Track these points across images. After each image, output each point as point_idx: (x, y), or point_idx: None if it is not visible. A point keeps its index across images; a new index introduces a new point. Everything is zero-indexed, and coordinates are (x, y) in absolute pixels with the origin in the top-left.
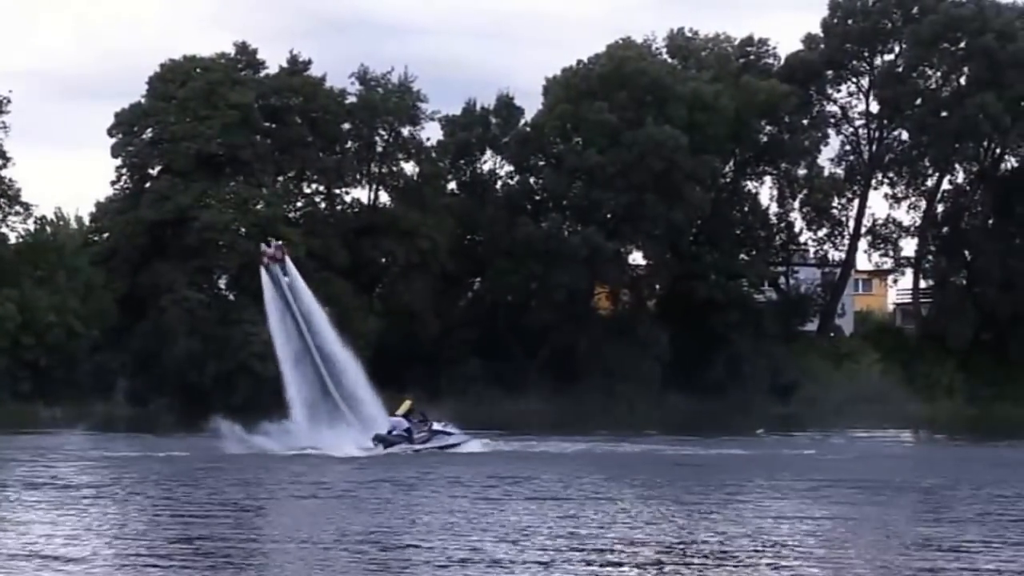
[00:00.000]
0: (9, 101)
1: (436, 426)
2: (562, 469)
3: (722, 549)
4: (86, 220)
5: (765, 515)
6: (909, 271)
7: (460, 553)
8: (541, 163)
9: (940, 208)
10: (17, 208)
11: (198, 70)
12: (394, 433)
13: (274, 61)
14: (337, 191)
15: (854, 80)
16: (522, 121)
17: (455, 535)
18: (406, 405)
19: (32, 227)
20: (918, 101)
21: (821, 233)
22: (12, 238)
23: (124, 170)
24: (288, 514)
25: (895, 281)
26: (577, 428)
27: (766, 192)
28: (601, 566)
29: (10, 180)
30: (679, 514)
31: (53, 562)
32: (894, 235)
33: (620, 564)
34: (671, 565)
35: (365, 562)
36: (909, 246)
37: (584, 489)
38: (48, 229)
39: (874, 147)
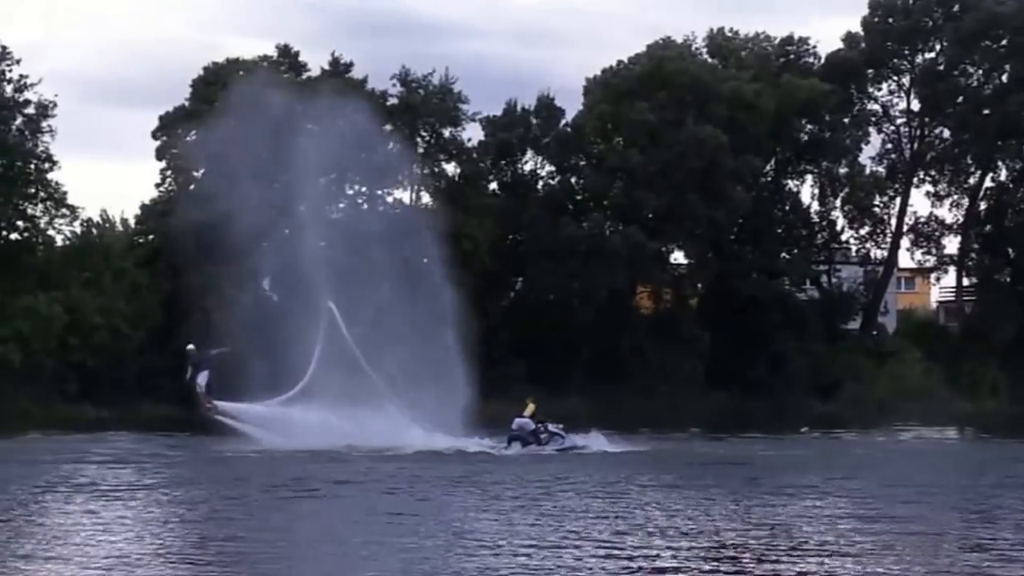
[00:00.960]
0: (55, 105)
1: (552, 427)
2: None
3: (770, 547)
4: (131, 222)
5: (814, 514)
6: (952, 269)
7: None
8: (582, 163)
9: (983, 206)
10: (63, 211)
11: (241, 73)
12: (515, 432)
13: (316, 63)
14: (379, 192)
15: (895, 78)
16: (563, 121)
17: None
18: (531, 407)
19: (78, 230)
20: (960, 99)
21: (863, 231)
22: (59, 240)
23: (168, 173)
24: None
25: (938, 279)
26: (624, 427)
27: (807, 191)
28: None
29: (56, 183)
30: (728, 513)
31: (99, 563)
32: (936, 233)
33: (674, 560)
34: (716, 563)
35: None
36: (952, 244)
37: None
38: (94, 231)
39: (915, 145)
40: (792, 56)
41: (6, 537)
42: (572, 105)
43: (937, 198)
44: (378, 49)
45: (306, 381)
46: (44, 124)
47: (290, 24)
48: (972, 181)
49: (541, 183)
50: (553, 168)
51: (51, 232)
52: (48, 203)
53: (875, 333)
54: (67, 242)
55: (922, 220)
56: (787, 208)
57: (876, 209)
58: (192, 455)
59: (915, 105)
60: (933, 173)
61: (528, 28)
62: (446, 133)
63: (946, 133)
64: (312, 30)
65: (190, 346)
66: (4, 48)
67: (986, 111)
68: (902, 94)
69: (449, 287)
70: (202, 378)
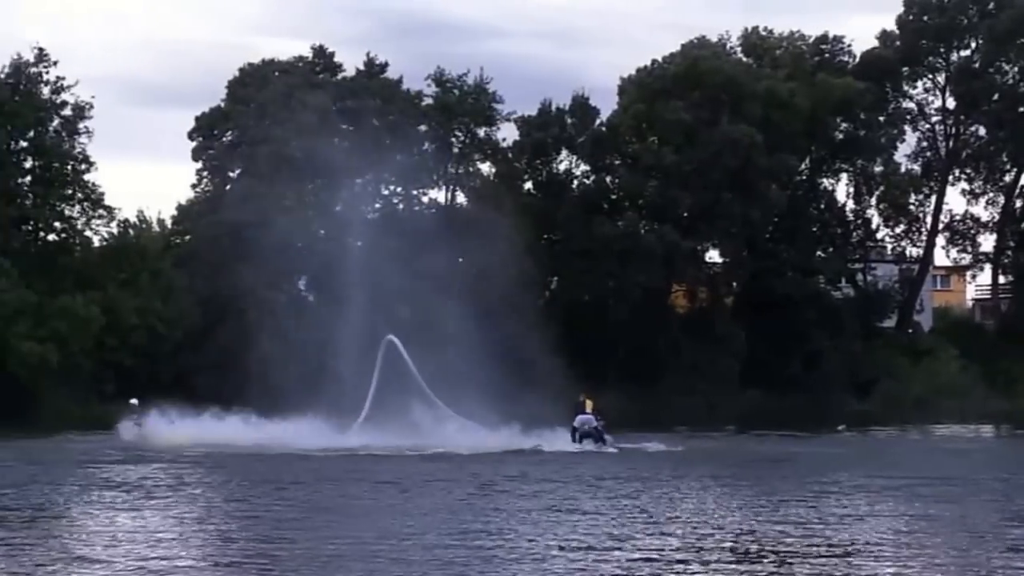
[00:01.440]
0: (92, 107)
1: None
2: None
3: (810, 544)
4: (168, 223)
5: (853, 512)
6: (987, 266)
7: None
8: (616, 162)
9: (1018, 203)
10: (101, 212)
11: (276, 74)
12: (587, 428)
13: (351, 64)
14: (414, 192)
15: (930, 76)
16: (597, 121)
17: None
18: (590, 403)
19: (115, 230)
20: (995, 96)
21: (898, 229)
22: (96, 241)
23: (204, 173)
24: None
25: (974, 277)
26: (660, 426)
27: (842, 189)
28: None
29: (93, 184)
30: (768, 509)
31: (141, 563)
32: (972, 231)
33: (711, 557)
34: (756, 561)
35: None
36: (987, 241)
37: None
38: (131, 232)
39: (951, 143)
40: (827, 54)
41: (57, 538)
42: (606, 105)
43: (972, 196)
44: (413, 50)
45: (367, 412)
46: (81, 125)
47: (325, 25)
48: (1008, 178)
49: (576, 182)
50: (588, 167)
51: (88, 233)
52: (85, 204)
53: (911, 331)
54: (104, 243)
55: (957, 218)
56: (822, 206)
57: (911, 207)
58: (234, 455)
59: (950, 103)
60: (968, 171)
61: (562, 28)
62: (481, 133)
63: (981, 131)
64: (347, 31)
65: (134, 400)
66: (41, 50)
67: (1021, 108)
68: (937, 92)
69: (484, 286)
70: (128, 431)
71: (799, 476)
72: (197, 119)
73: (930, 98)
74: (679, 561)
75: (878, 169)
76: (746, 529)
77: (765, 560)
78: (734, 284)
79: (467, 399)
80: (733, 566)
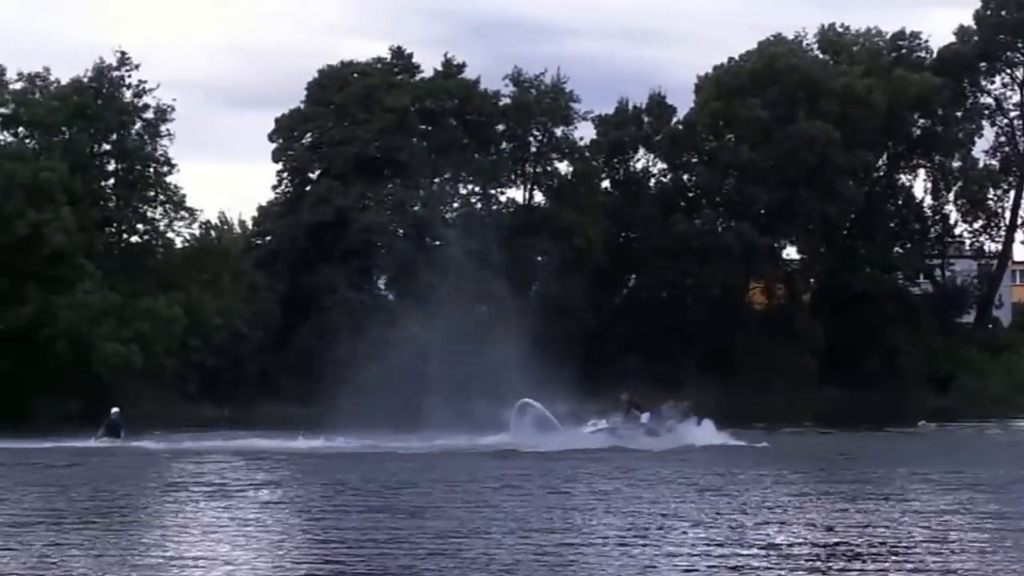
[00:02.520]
0: (173, 110)
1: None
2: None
3: (895, 540)
4: (249, 224)
5: (935, 508)
6: None
7: None
8: (694, 160)
9: None
10: (183, 213)
11: (355, 75)
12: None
13: (429, 65)
14: (493, 191)
15: (1008, 71)
16: (674, 119)
17: None
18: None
19: (197, 232)
20: None
21: (976, 225)
22: (178, 243)
23: (285, 174)
24: None
25: None
26: (738, 422)
27: (920, 185)
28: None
29: (175, 186)
30: (853, 506)
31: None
32: None
33: (794, 554)
34: (838, 558)
35: None
36: None
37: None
38: (213, 234)
39: None
40: (904, 50)
41: (150, 538)
42: (683, 103)
43: None
44: (491, 50)
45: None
46: (162, 128)
47: (404, 26)
48: None
49: (653, 180)
50: (665, 165)
51: (171, 235)
52: (167, 206)
53: (990, 326)
54: (186, 244)
55: None
56: (900, 202)
57: (989, 202)
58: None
59: None
60: None
61: (639, 27)
62: (558, 132)
63: None
64: (426, 32)
65: (115, 409)
66: (123, 54)
67: None
68: (1015, 87)
69: (562, 285)
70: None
71: (887, 471)
72: (277, 121)
73: (1008, 93)
74: (787, 557)
75: (956, 165)
76: (862, 522)
77: (862, 557)
78: (812, 281)
79: (544, 397)
80: (828, 564)
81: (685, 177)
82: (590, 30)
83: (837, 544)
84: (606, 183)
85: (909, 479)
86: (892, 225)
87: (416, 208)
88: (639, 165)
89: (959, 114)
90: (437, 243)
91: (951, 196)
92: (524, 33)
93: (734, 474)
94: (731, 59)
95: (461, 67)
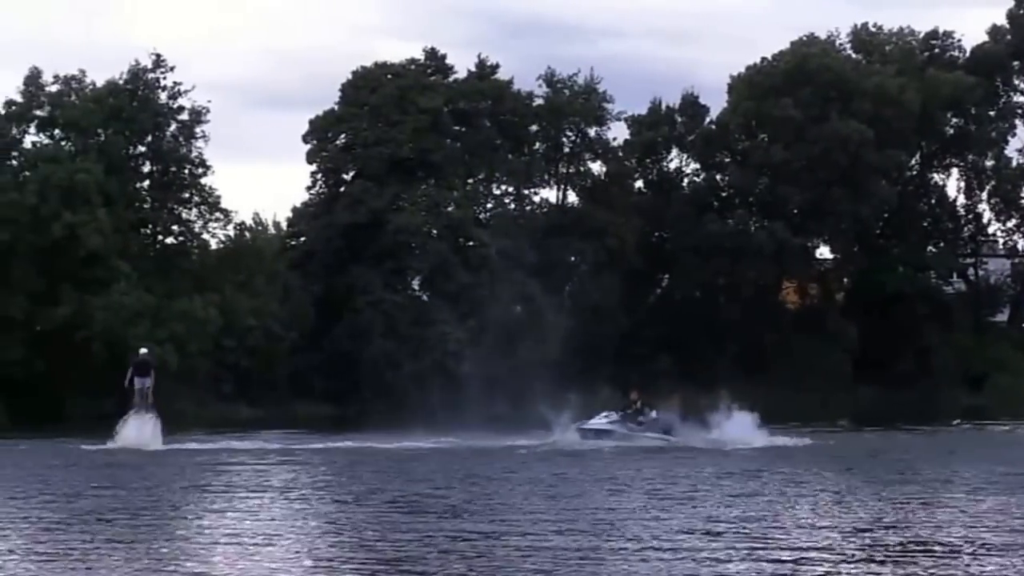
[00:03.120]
0: (208, 111)
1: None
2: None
3: (933, 539)
4: (283, 225)
5: (973, 508)
6: None
7: None
8: (726, 160)
9: None
10: (217, 215)
11: (389, 76)
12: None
13: (462, 66)
14: (526, 192)
15: None
16: (707, 119)
17: None
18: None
19: (232, 233)
20: None
21: (1010, 224)
22: (213, 244)
23: (319, 176)
24: None
25: None
26: (772, 421)
27: (953, 184)
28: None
29: (210, 188)
30: (892, 504)
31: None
32: None
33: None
34: (877, 557)
35: None
36: None
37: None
38: (247, 235)
39: None
40: (937, 50)
41: (204, 537)
42: (716, 103)
43: None
44: (523, 51)
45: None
46: (197, 130)
47: (437, 27)
48: None
49: (686, 180)
50: (698, 165)
51: (205, 236)
52: (202, 207)
53: (1023, 325)
54: (221, 245)
55: None
56: (933, 202)
57: (1023, 201)
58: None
59: None
60: None
61: (672, 28)
62: (591, 132)
63: None
64: (459, 33)
65: (144, 350)
66: (158, 56)
67: None
68: None
69: (596, 285)
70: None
71: (925, 470)
72: (311, 122)
73: None
74: (843, 560)
75: (989, 164)
76: (875, 522)
77: (892, 557)
78: (845, 280)
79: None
80: (861, 561)
81: (718, 177)
82: (623, 31)
83: (890, 543)
84: (639, 183)
85: (952, 478)
86: (925, 224)
87: (450, 209)
88: (672, 165)
89: (992, 113)
90: (471, 244)
91: (984, 195)
92: (557, 34)
93: (800, 474)
94: (764, 59)
95: (495, 68)
